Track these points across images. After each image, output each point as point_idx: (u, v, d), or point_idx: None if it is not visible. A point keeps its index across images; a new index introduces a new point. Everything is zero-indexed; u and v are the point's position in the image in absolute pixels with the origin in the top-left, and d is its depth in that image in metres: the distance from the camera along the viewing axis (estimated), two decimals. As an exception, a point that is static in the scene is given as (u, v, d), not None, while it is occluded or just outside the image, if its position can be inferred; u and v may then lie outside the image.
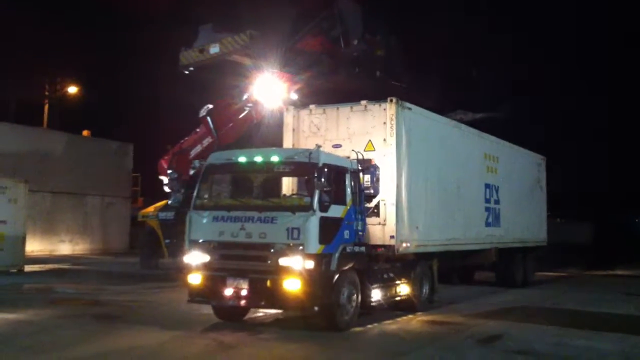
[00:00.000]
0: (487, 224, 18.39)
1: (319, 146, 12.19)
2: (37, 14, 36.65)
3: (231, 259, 11.68)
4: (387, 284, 13.44)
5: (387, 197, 13.68)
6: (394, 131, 13.77)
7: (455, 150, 16.43)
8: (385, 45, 22.42)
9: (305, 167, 11.41)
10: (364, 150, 13.93)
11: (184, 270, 11.97)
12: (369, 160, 13.85)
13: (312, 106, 14.79)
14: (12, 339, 10.69)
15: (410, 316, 13.95)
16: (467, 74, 31.69)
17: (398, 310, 14.16)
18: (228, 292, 11.49)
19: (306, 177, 11.56)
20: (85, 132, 36.72)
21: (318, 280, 11.22)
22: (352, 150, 13.06)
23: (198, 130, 21.66)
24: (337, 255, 11.62)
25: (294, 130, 14.78)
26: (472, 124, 18.93)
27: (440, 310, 14.88)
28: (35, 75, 36.79)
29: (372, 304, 12.77)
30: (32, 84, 36.79)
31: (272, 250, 11.30)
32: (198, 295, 11.85)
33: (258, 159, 11.95)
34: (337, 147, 14.17)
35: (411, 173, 14.23)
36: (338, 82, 21.45)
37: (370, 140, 13.99)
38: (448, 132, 16.24)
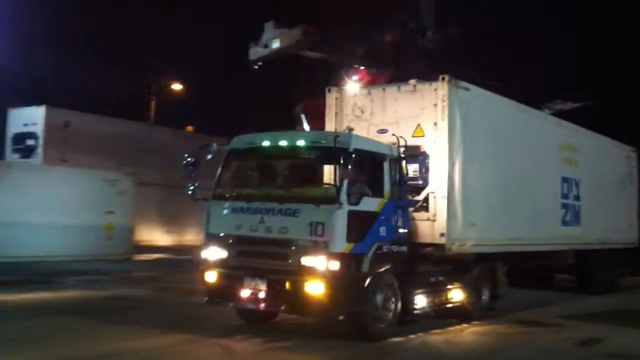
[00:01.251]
0: (564, 223, 16.30)
1: (350, 129, 10.64)
2: (143, 10, 36.82)
3: (249, 255, 10.35)
4: (436, 289, 11.78)
5: (437, 189, 11.99)
6: (447, 114, 12.06)
7: (522, 137, 14.47)
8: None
9: (334, 153, 9.89)
10: (412, 136, 12.28)
11: (200, 266, 10.69)
12: (418, 147, 12.21)
13: (356, 86, 13.23)
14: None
15: (463, 325, 12.25)
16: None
17: (452, 318, 12.46)
18: (245, 293, 10.16)
19: (335, 165, 10.00)
20: (189, 128, 37.08)
21: (345, 283, 9.74)
22: (393, 134, 11.41)
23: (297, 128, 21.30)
24: (369, 255, 10.10)
25: (336, 113, 13.28)
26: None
27: (500, 319, 13.06)
28: (141, 71, 36.92)
29: (415, 311, 11.16)
30: (137, 80, 36.94)
31: (293, 248, 9.89)
32: (216, 295, 10.57)
33: (282, 143, 10.53)
34: (382, 133, 12.58)
35: (466, 162, 12.47)
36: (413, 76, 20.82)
37: (419, 124, 12.33)
38: (513, 117, 14.30)
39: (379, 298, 10.30)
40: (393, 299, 10.60)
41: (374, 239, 10.24)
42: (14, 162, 25.50)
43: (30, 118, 27.02)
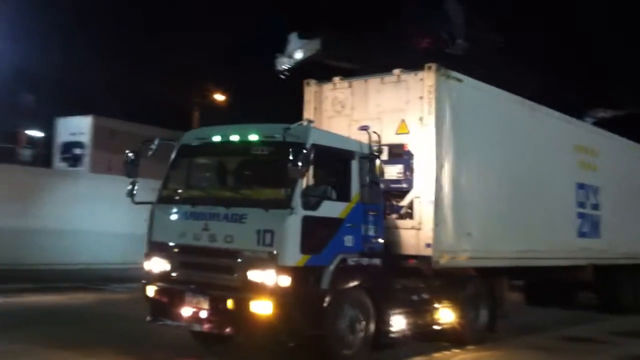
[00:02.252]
0: (581, 234, 14.55)
1: (309, 120, 9.13)
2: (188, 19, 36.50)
3: (192, 268, 8.93)
4: (419, 309, 10.22)
5: (423, 193, 10.47)
6: (433, 107, 10.53)
7: (529, 137, 12.82)
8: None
9: (289, 149, 8.42)
10: (396, 133, 10.83)
11: (143, 280, 9.29)
12: (402, 146, 10.74)
13: (336, 79, 11.79)
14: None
15: (454, 351, 10.64)
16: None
17: (444, 341, 10.88)
18: (186, 312, 8.73)
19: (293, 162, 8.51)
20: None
21: (298, 302, 8.23)
22: (361, 127, 9.88)
23: None
24: (331, 268, 8.60)
25: (315, 109, 11.81)
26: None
27: (500, 343, 11.38)
28: (186, 81, 36.34)
29: (391, 334, 9.58)
30: (181, 90, 36.39)
31: (238, 260, 8.46)
32: (159, 314, 9.13)
33: (234, 137, 9.08)
34: (363, 130, 11.09)
35: (459, 163, 10.93)
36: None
37: (403, 120, 10.84)
38: (518, 114, 12.66)
39: (344, 319, 8.79)
40: (363, 321, 9.07)
41: (336, 250, 8.75)
42: (64, 171, 26.00)
43: (77, 127, 27.68)
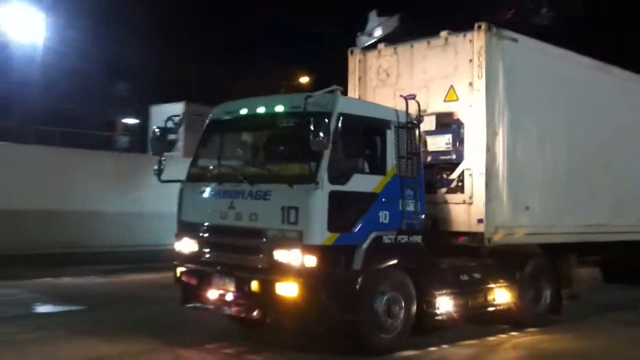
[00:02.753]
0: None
1: (338, 88, 8.44)
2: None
3: (219, 249, 8.49)
4: (470, 289, 9.45)
5: (474, 164, 9.66)
6: (484, 71, 9.66)
7: (598, 101, 11.67)
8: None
9: (315, 119, 7.79)
10: (445, 101, 10.05)
11: (174, 261, 8.92)
12: (450, 115, 9.95)
13: (380, 45, 11.09)
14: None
15: (512, 334, 9.83)
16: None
17: (503, 324, 10.09)
18: (213, 294, 8.30)
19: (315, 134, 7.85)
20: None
21: (327, 284, 7.65)
22: (400, 95, 9.13)
23: None
24: (363, 247, 7.95)
25: (359, 79, 11.16)
26: None
27: (563, 326, 10.46)
28: (273, 65, 36.60)
29: (437, 316, 8.86)
30: (268, 75, 36.73)
31: (264, 239, 7.94)
32: (189, 297, 8.75)
33: (260, 110, 8.53)
34: (410, 99, 10.37)
35: (515, 131, 10.05)
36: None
37: (452, 86, 10.03)
38: (586, 77, 11.51)
39: (380, 302, 8.16)
40: (403, 303, 8.40)
41: (370, 228, 8.08)
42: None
43: (170, 114, 27.90)
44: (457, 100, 9.94)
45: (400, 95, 9.27)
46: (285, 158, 8.27)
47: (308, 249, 7.55)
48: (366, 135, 8.31)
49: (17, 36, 26.67)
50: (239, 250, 8.18)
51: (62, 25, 28.34)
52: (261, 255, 7.90)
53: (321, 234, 7.61)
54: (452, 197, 9.79)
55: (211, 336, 8.80)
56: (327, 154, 7.66)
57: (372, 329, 8.10)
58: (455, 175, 9.81)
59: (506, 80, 9.95)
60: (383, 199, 8.26)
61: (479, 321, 9.90)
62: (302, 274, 7.54)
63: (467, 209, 9.66)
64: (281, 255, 7.69)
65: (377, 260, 8.12)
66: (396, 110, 8.73)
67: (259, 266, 7.91)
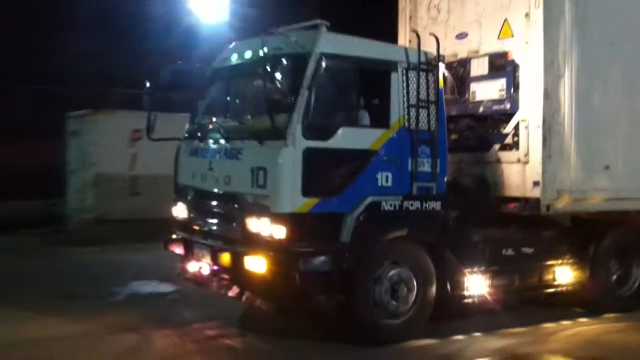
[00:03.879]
0: None
1: (322, 23, 6.93)
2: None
3: (200, 215, 7.45)
4: (517, 267, 7.76)
5: (530, 114, 7.86)
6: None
7: None
8: None
9: (292, 62, 6.54)
10: (499, 38, 8.25)
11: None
12: (505, 55, 8.16)
13: (431, -24, 9.35)
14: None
15: (581, 320, 8.04)
16: None
17: (575, 307, 8.33)
18: (194, 267, 7.31)
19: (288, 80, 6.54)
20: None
21: (302, 259, 6.38)
22: (414, 30, 7.44)
23: None
24: (353, 216, 6.57)
25: (410, 17, 9.50)
26: None
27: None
28: None
29: (466, 299, 7.31)
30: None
31: (236, 206, 6.79)
32: (182, 270, 7.80)
33: (247, 54, 7.25)
34: (461, 38, 8.70)
35: (591, 72, 8.09)
36: None
37: (506, 19, 8.19)
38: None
39: (380, 281, 6.77)
40: (415, 283, 6.95)
41: (363, 192, 6.67)
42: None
43: None
44: (512, 36, 8.11)
45: (430, 34, 7.66)
46: (260, 110, 6.99)
47: (276, 217, 6.32)
48: (361, 80, 6.77)
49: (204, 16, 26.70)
50: (216, 218, 7.15)
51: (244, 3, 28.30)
52: (234, 224, 6.78)
53: (292, 200, 6.33)
54: (505, 155, 8.07)
55: (211, 314, 7.80)
56: (300, 104, 6.34)
57: (370, 312, 6.75)
58: (509, 128, 8.06)
59: (576, 9, 7.99)
60: (384, 158, 6.80)
61: (550, 305, 8.18)
62: (271, 246, 6.34)
63: (521, 169, 7.90)
64: (251, 224, 6.55)
65: (375, 232, 6.72)
66: (405, 49, 7.13)
67: (232, 237, 6.81)
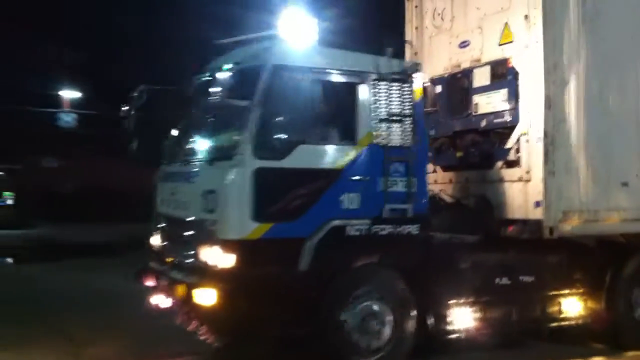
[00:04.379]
0: None
1: (275, 34, 6.39)
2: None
3: (167, 244, 6.99)
4: (514, 297, 6.89)
5: (530, 126, 7.07)
6: (540, -2, 7.03)
7: None
8: None
9: (246, 76, 6.08)
10: (499, 44, 7.52)
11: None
12: (505, 62, 7.40)
13: (435, -17, 8.70)
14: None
15: (596, 359, 7.05)
16: None
17: (596, 342, 7.39)
18: (156, 299, 6.84)
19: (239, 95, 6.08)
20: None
21: (253, 290, 5.77)
22: (383, 39, 6.73)
23: None
24: (313, 241, 5.96)
25: (416, 29, 8.85)
26: None
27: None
28: None
29: (450, 334, 6.52)
30: None
31: (191, 233, 6.33)
32: (148, 302, 7.24)
33: (210, 70, 6.74)
34: (464, 47, 8.01)
35: (604, 76, 7.28)
36: None
37: (506, 22, 7.46)
38: None
39: (346, 314, 6.09)
40: (390, 316, 6.24)
41: (325, 215, 6.02)
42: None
43: None
44: (512, 41, 7.37)
45: (407, 42, 7.08)
46: (216, 129, 6.52)
47: (224, 244, 5.77)
48: (324, 94, 6.17)
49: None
50: (179, 246, 6.64)
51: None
52: (191, 253, 6.28)
53: (241, 225, 5.77)
54: (507, 173, 7.30)
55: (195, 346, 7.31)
56: (251, 121, 5.83)
57: (337, 349, 6.08)
58: (511, 143, 7.28)
59: (584, 5, 7.18)
60: (349, 177, 6.16)
61: (558, 340, 7.27)
62: (219, 276, 5.81)
63: (523, 188, 7.10)
64: (202, 252, 6.03)
65: (338, 259, 6.06)
66: (376, 58, 6.46)
67: (188, 266, 6.33)
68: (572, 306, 7.14)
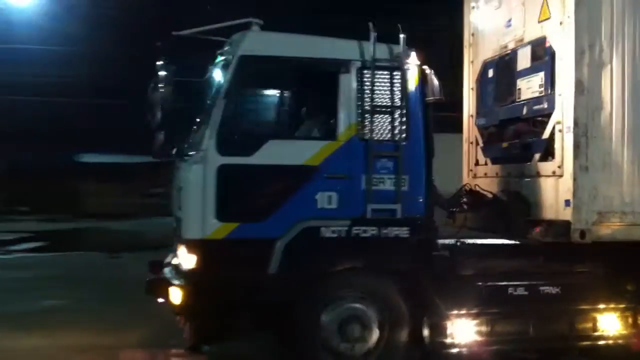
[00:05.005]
0: None
1: (254, 22, 5.94)
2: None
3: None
4: (530, 311, 6.08)
5: (564, 113, 6.22)
6: (575, -36, 6.14)
7: None
8: None
9: (219, 68, 5.95)
10: (538, 21, 6.69)
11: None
12: (542, 42, 6.58)
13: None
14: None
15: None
16: None
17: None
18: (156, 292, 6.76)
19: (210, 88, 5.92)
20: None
21: (216, 293, 5.58)
22: (371, 22, 6.10)
23: None
24: (283, 243, 5.62)
25: (473, 8, 8.11)
26: None
27: None
28: None
29: (449, 348, 5.89)
30: None
31: (175, 230, 6.30)
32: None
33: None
34: (508, 26, 7.24)
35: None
36: None
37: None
38: None
39: (327, 321, 5.71)
40: (376, 324, 5.77)
41: (297, 215, 5.66)
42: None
43: None
44: (549, 18, 6.51)
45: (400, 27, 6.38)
46: (196, 122, 6.35)
47: (187, 244, 5.65)
48: (300, 85, 5.88)
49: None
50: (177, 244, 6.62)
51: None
52: (178, 252, 6.22)
53: (203, 224, 5.56)
54: (543, 167, 6.51)
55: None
56: (216, 114, 5.61)
57: (313, 355, 5.74)
58: (547, 133, 6.46)
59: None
60: (326, 174, 5.74)
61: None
62: (184, 276, 5.70)
63: (555, 184, 6.28)
64: (178, 251, 5.98)
65: (312, 262, 5.66)
66: (360, 44, 5.91)
67: (174, 263, 6.28)
68: (610, 323, 6.18)
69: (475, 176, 7.67)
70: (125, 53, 19.42)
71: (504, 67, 7.29)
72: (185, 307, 5.65)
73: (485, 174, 7.55)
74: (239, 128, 5.71)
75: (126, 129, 14.69)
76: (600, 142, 6.09)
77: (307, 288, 5.67)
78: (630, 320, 6.24)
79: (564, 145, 6.17)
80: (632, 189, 6.14)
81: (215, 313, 5.64)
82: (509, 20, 7.19)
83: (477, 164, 7.78)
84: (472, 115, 7.89)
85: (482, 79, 7.73)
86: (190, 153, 5.88)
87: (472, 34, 7.99)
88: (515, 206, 6.64)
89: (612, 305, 6.21)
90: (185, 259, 5.67)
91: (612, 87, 6.15)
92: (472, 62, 7.90)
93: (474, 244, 6.20)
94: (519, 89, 6.95)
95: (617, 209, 6.10)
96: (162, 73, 5.61)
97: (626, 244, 6.16)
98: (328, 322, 5.71)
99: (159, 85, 5.67)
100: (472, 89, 7.89)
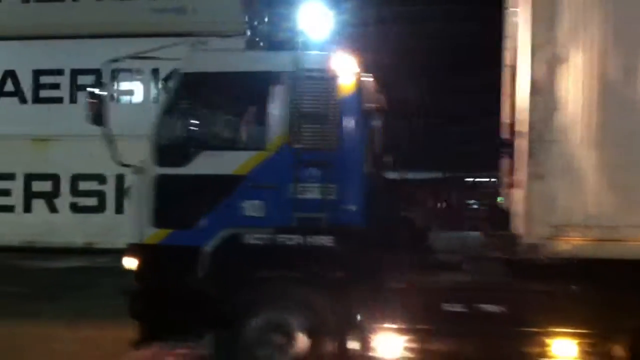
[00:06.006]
0: None
1: (199, 41, 6.24)
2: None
3: None
4: (468, 329, 5.54)
5: (519, 118, 5.66)
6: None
7: None
8: None
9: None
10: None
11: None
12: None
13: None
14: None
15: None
16: None
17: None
18: None
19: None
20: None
21: (148, 296, 5.92)
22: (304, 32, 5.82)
23: None
24: (208, 250, 5.69)
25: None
26: None
27: None
28: None
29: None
30: None
31: None
32: None
33: None
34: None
35: (625, 43, 5.41)
36: None
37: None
38: None
39: (252, 325, 5.66)
40: (297, 331, 5.59)
41: (223, 223, 5.75)
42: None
43: None
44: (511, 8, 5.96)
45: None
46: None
47: (128, 247, 6.03)
48: (232, 98, 6.12)
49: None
50: None
51: None
52: None
53: (141, 230, 5.91)
54: (504, 176, 5.95)
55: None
56: (156, 128, 5.97)
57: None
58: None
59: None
60: (252, 184, 5.71)
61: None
62: (134, 277, 6.01)
63: (509, 194, 5.73)
64: None
65: (234, 269, 5.69)
66: (294, 54, 5.80)
67: None
68: (568, 350, 5.46)
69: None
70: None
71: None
72: (129, 307, 5.90)
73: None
74: (176, 141, 6.00)
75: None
76: (559, 146, 5.41)
77: (232, 294, 5.67)
78: (599, 348, 5.46)
79: (520, 150, 5.57)
80: (597, 198, 5.39)
81: (153, 313, 5.86)
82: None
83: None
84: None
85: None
86: (133, 164, 6.09)
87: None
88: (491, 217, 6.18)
89: (577, 330, 5.47)
90: (127, 261, 5.98)
91: (573, 84, 5.44)
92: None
93: (406, 257, 5.76)
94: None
95: (578, 222, 5.39)
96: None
97: (600, 262, 5.43)
98: (250, 329, 5.66)
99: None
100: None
